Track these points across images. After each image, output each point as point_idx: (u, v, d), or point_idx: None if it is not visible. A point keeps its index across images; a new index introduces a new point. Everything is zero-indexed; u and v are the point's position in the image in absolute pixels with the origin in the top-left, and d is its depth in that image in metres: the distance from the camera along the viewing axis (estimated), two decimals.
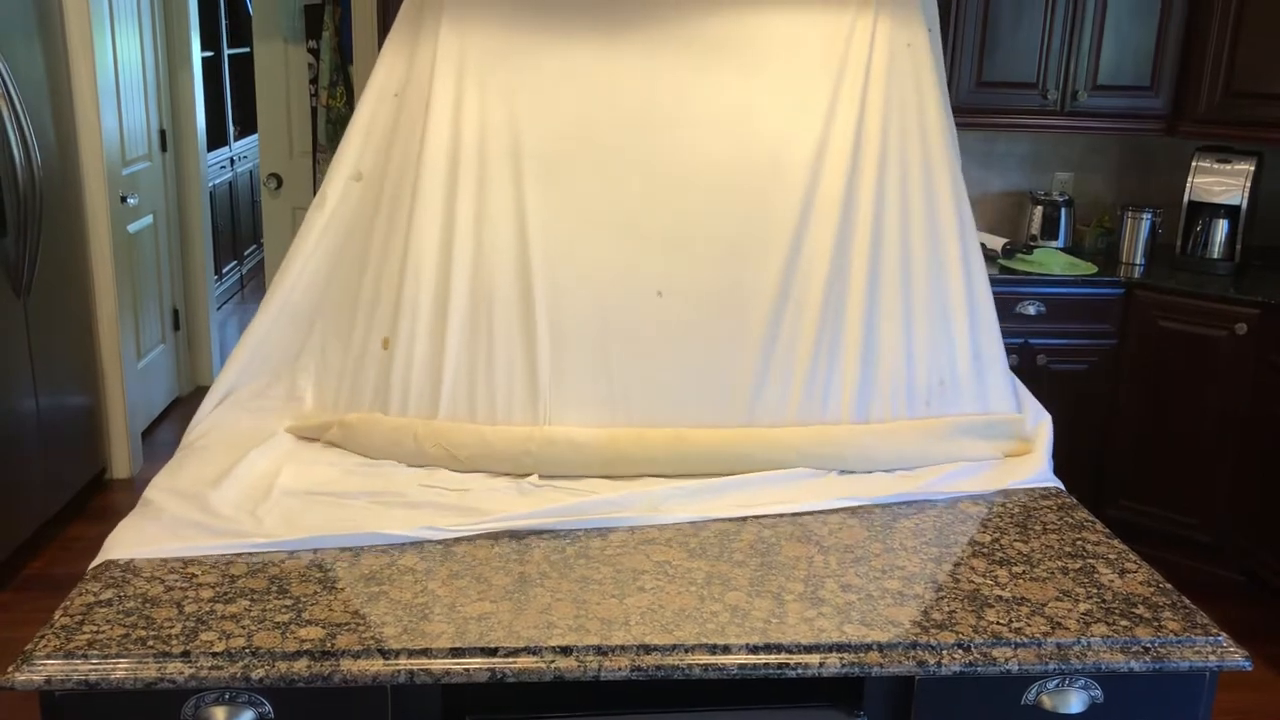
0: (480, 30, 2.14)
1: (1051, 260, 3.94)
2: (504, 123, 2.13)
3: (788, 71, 2.17)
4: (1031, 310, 3.82)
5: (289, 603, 1.59)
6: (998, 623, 1.60)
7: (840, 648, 1.53)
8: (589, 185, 2.14)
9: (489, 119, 2.13)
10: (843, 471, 2.08)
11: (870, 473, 2.08)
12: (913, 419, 2.16)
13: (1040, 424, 2.22)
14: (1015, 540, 1.86)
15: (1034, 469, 2.12)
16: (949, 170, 2.22)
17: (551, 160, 2.13)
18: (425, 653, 1.49)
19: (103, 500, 4.31)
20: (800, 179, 2.13)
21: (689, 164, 2.14)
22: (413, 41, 2.19)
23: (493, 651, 1.49)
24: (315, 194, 5.05)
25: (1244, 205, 3.88)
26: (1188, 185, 3.98)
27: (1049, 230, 4.16)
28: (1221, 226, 3.94)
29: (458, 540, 1.79)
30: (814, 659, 1.52)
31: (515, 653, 1.50)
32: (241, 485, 1.92)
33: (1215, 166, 3.94)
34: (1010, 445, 2.19)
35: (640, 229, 2.13)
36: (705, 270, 2.12)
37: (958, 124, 3.97)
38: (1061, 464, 2.32)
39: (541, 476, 2.01)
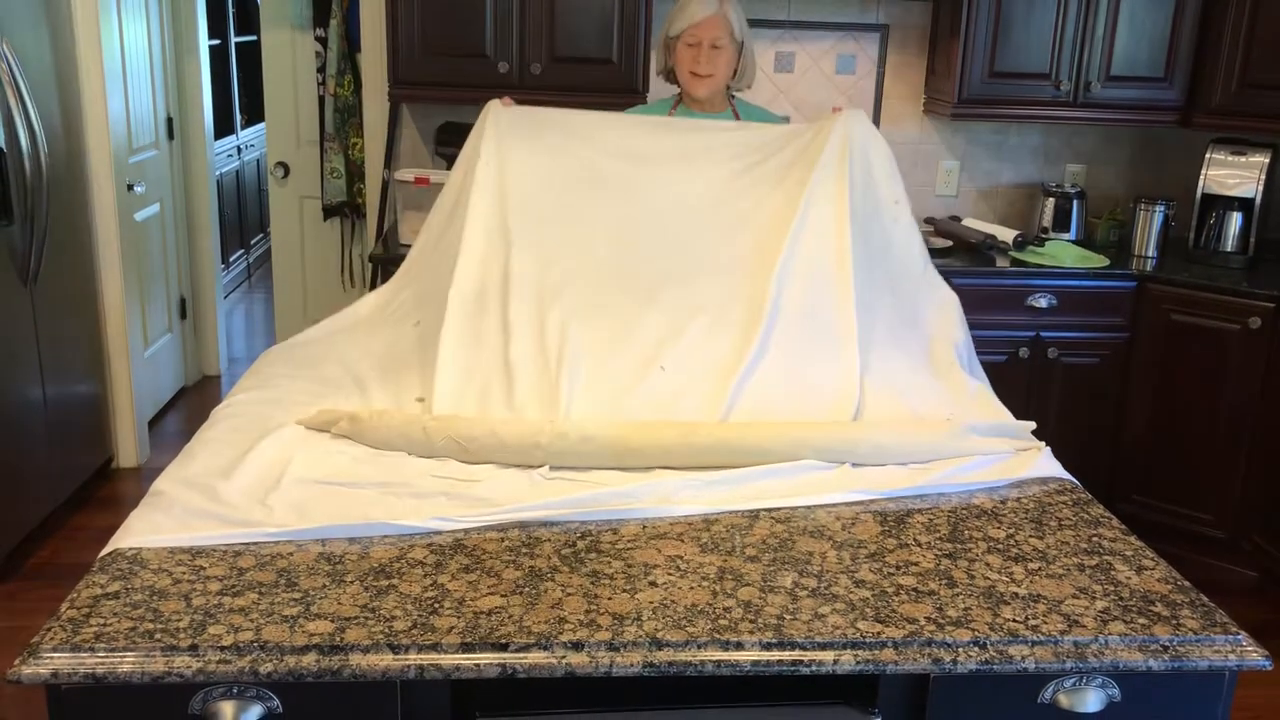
0: (518, 151, 2.55)
1: (1063, 253, 3.91)
2: (536, 215, 2.47)
3: (766, 175, 2.55)
4: (1043, 303, 3.79)
5: (297, 596, 1.57)
6: (1014, 620, 1.58)
7: (854, 645, 1.51)
8: (604, 267, 2.42)
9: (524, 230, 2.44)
10: (855, 464, 2.06)
11: (883, 466, 2.07)
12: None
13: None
14: (1031, 536, 1.84)
15: (1048, 463, 2.12)
16: (917, 259, 2.58)
17: (575, 253, 2.43)
18: (435, 648, 1.47)
19: (109, 489, 4.31)
20: (774, 259, 2.38)
21: (687, 250, 2.45)
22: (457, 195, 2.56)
23: (503, 647, 1.48)
24: (322, 184, 5.02)
25: (1258, 198, 3.85)
26: (1201, 177, 3.95)
27: (1061, 222, 4.13)
28: (1235, 219, 3.91)
29: (467, 533, 1.78)
30: (828, 656, 1.50)
31: (526, 648, 1.48)
32: (251, 474, 1.92)
33: (1229, 159, 3.91)
34: (1022, 443, 2.20)
35: (647, 305, 2.35)
36: (702, 343, 2.28)
37: (971, 114, 3.99)
38: (1073, 458, 2.31)
39: (552, 468, 2.00)
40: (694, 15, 2.84)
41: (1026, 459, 2.13)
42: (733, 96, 3.04)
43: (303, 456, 2.00)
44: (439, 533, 1.77)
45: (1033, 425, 2.25)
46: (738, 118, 2.97)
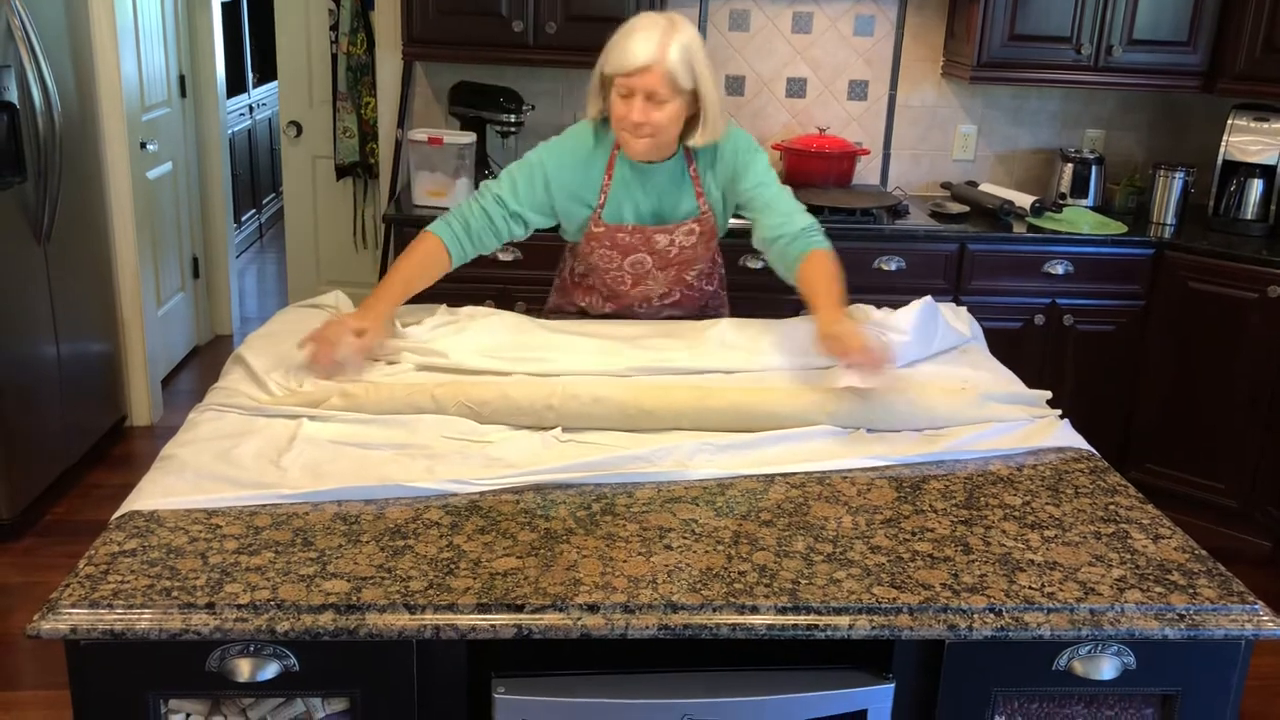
0: None
1: (1080, 219, 3.88)
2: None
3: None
4: (1059, 270, 3.76)
5: (314, 555, 1.58)
6: (1030, 587, 1.58)
7: (870, 610, 1.51)
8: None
9: None
10: (871, 430, 2.05)
11: (898, 431, 2.06)
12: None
13: None
14: (1047, 504, 1.84)
15: (1065, 431, 2.11)
16: None
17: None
18: (451, 608, 1.47)
19: (123, 447, 4.32)
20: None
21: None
22: None
23: (519, 608, 1.48)
24: (335, 144, 4.97)
25: None
26: (1223, 144, 3.90)
27: (1079, 188, 4.09)
28: (1256, 186, 3.86)
29: (483, 495, 1.78)
30: (843, 621, 1.50)
31: (541, 609, 1.48)
32: (263, 436, 1.91)
33: (1252, 125, 3.86)
34: (1039, 411, 2.19)
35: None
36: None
37: (989, 79, 3.92)
38: (1087, 426, 2.30)
39: (565, 430, 2.00)
40: (628, 60, 2.21)
41: (1045, 427, 2.11)
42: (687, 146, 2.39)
43: (314, 418, 1.99)
44: (454, 494, 1.77)
45: (1048, 395, 2.24)
46: (691, 164, 2.40)
